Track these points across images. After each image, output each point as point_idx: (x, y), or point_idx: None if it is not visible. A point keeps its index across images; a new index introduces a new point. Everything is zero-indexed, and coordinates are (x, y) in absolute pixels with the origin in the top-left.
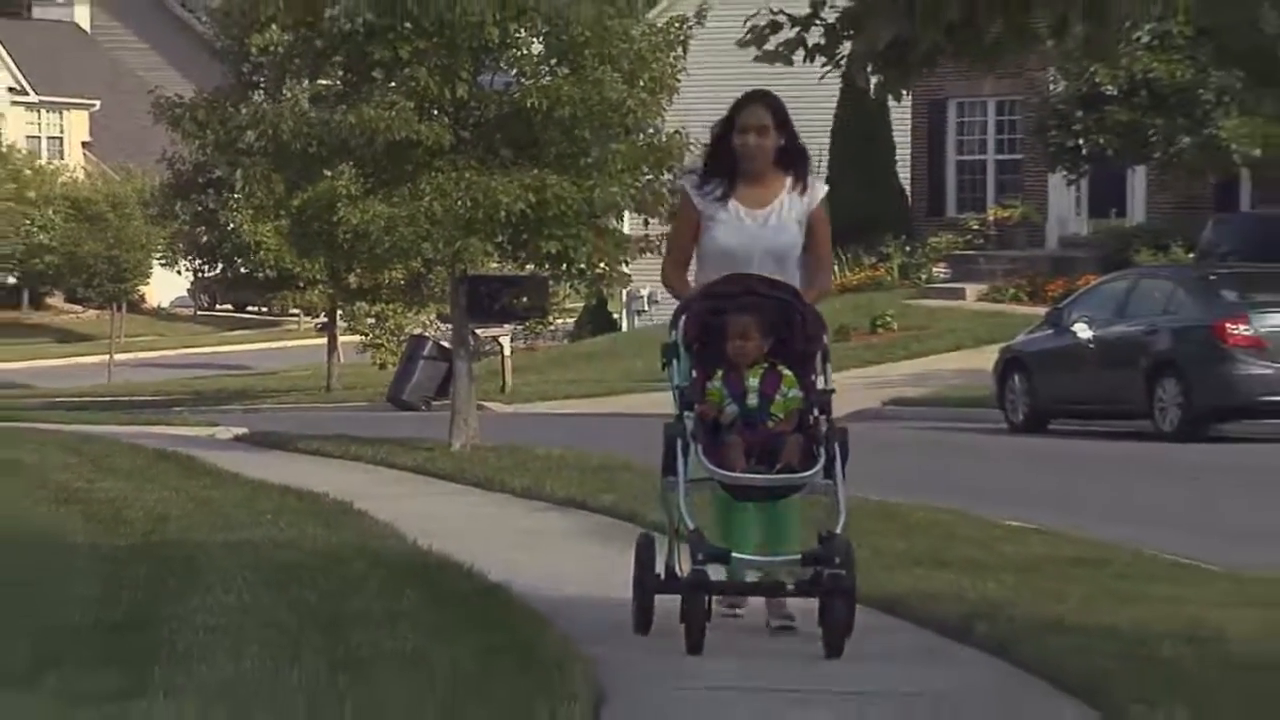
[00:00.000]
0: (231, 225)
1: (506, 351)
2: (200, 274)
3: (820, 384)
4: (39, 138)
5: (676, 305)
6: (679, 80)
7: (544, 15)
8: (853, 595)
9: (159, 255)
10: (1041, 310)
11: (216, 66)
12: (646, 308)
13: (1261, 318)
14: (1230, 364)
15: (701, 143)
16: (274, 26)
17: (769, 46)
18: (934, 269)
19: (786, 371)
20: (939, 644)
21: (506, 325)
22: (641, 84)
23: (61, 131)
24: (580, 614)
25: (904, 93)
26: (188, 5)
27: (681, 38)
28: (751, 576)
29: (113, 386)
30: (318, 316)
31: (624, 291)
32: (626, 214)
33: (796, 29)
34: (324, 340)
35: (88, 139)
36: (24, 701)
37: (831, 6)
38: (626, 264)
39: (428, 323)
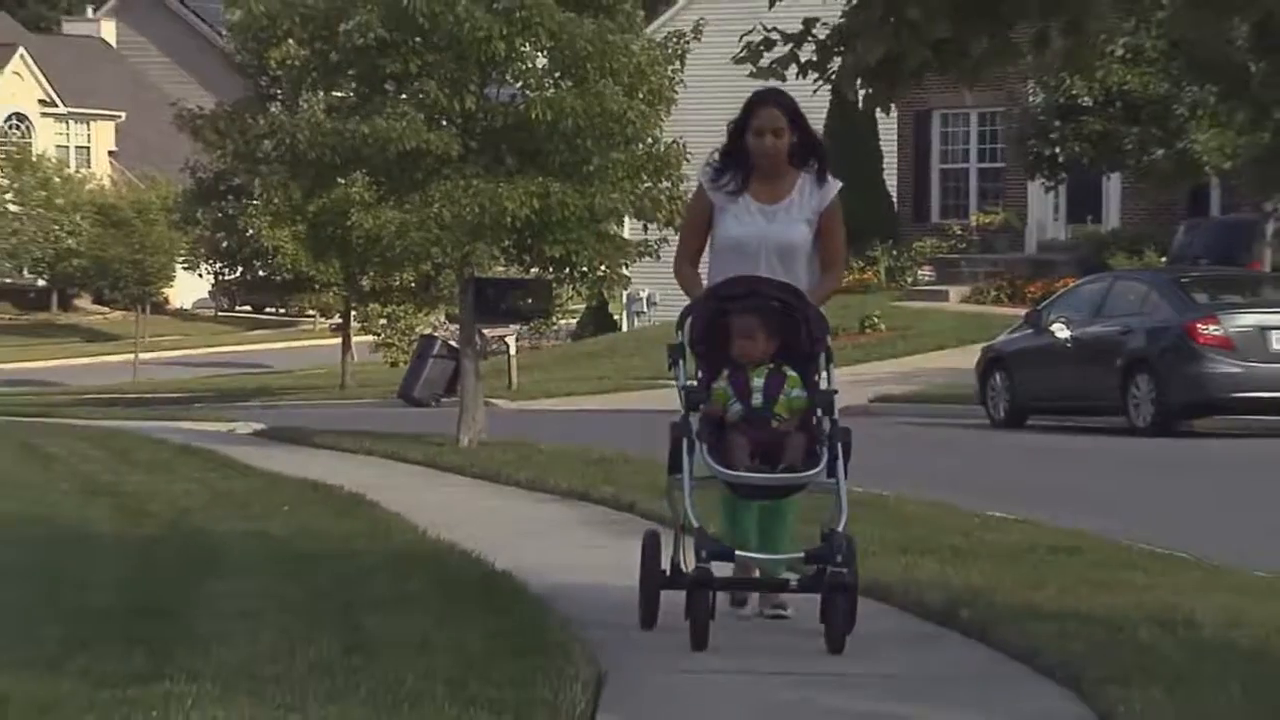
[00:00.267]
0: (250, 230)
1: (512, 350)
2: (221, 277)
3: (823, 384)
4: (67, 147)
5: (683, 307)
6: (677, 93)
7: (548, 31)
8: (855, 592)
9: (182, 259)
10: (1021, 311)
11: (236, 79)
12: (645, 309)
13: (1230, 318)
14: (1200, 362)
15: (697, 153)
16: (291, 41)
17: (763, 62)
18: (919, 272)
19: (791, 372)
20: (925, 629)
21: (512, 325)
22: (641, 96)
23: (89, 141)
24: (581, 599)
25: (891, 105)
26: (209, 21)
27: (679, 52)
28: (755, 573)
29: (138, 384)
30: (332, 317)
31: (624, 293)
32: (626, 219)
33: (790, 45)
34: (338, 340)
35: (113, 148)
36: (53, 681)
37: (823, 24)
38: (626, 267)
39: (437, 323)
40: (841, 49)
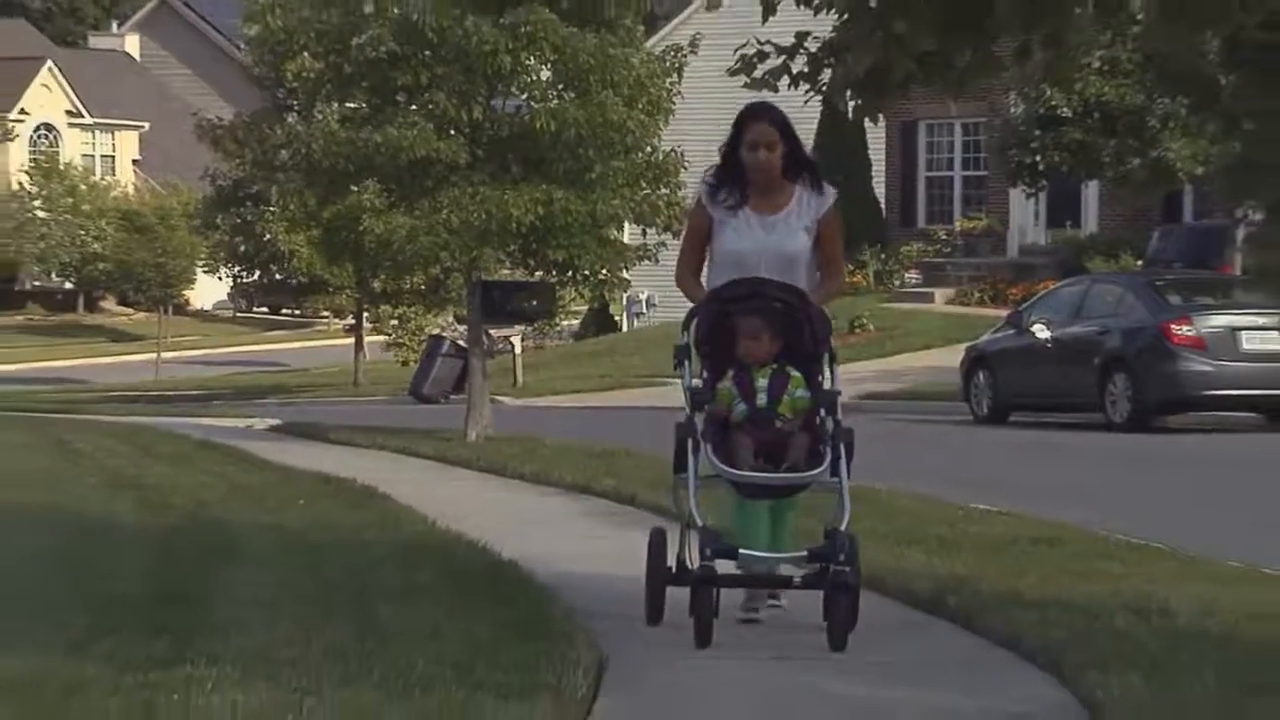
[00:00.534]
0: (268, 235)
1: (517, 350)
2: (239, 280)
3: (826, 384)
4: (93, 156)
5: (689, 309)
6: (674, 103)
7: (552, 45)
8: (857, 591)
9: (202, 263)
10: (1004, 312)
11: (254, 91)
12: (645, 310)
13: (1203, 319)
14: (1174, 361)
15: (695, 161)
16: (306, 55)
17: (756, 74)
18: (906, 275)
19: (795, 373)
20: (914, 616)
21: (517, 326)
22: (640, 107)
23: (113, 150)
24: (584, 588)
25: (879, 115)
26: (228, 36)
27: (677, 65)
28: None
29: (160, 382)
30: (346, 318)
31: (624, 295)
32: (626, 225)
33: (782, 58)
34: (351, 340)
35: (137, 157)
36: (80, 665)
37: (814, 37)
38: (626, 270)
39: (446, 324)
40: (832, 61)
